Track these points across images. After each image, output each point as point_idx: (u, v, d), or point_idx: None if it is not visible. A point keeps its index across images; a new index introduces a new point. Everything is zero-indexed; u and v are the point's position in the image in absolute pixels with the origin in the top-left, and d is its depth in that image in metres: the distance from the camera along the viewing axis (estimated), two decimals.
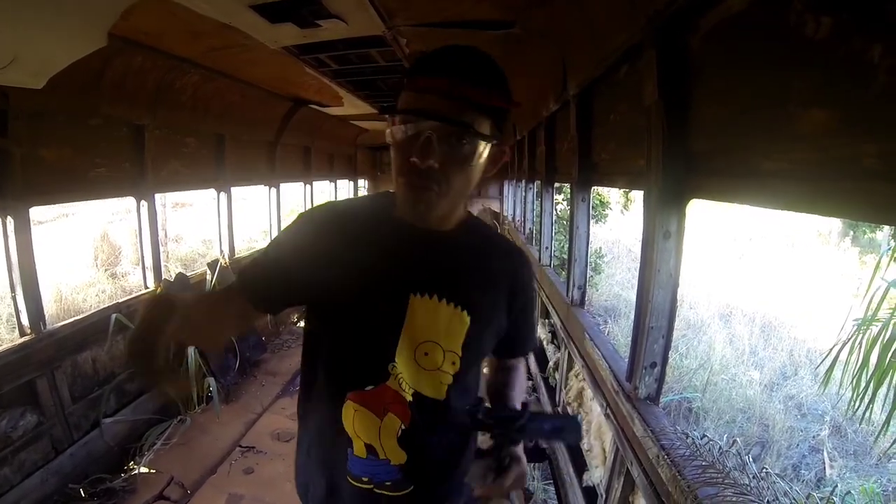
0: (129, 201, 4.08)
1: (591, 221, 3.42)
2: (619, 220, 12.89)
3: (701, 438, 1.65)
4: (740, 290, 9.96)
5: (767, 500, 1.32)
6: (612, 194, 10.58)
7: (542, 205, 5.00)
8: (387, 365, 1.05)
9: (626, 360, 2.22)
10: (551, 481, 3.37)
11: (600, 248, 9.60)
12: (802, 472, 5.01)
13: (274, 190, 6.55)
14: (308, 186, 7.87)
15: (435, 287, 1.05)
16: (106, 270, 8.87)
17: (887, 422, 1.87)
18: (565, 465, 3.10)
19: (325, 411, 1.13)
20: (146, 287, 4.17)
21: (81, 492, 3.12)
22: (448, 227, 1.08)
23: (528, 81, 4.05)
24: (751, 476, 1.45)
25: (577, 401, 3.01)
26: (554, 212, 5.19)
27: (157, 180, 4.07)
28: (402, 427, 1.07)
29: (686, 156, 1.74)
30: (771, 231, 14.92)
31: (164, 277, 4.26)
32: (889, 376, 2.12)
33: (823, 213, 1.27)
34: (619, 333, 7.36)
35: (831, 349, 2.61)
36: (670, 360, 6.45)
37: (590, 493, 2.65)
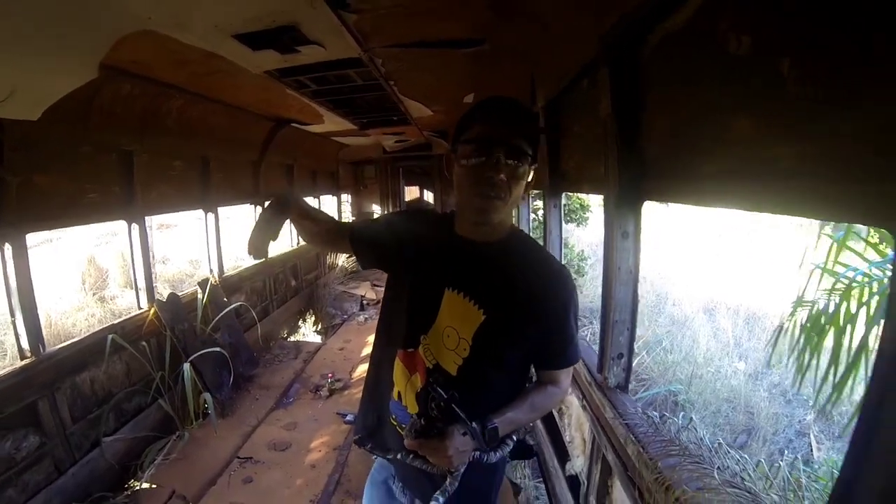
0: (113, 224, 4.17)
1: (573, 225, 3.61)
2: (600, 222, 12.97)
3: (660, 418, 1.81)
4: (722, 284, 10.11)
5: (717, 467, 1.48)
6: (592, 197, 10.69)
7: (518, 210, 5.17)
8: (420, 336, 1.39)
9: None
10: (541, 478, 3.52)
11: (583, 251, 9.69)
12: (788, 455, 5.14)
13: (259, 208, 6.63)
14: None
15: (462, 286, 1.35)
16: (94, 294, 8.87)
17: (835, 391, 2.04)
18: (551, 459, 3.25)
19: (383, 361, 1.51)
20: (139, 308, 4.26)
21: None
22: (494, 238, 1.38)
23: (500, 94, 4.20)
24: (706, 448, 1.61)
25: None
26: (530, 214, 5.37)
27: (146, 203, 4.16)
28: (420, 386, 1.36)
29: (639, 162, 1.92)
30: (737, 223, 15.01)
31: (156, 297, 4.36)
32: (817, 352, 2.35)
33: (753, 209, 1.42)
34: None
35: (777, 330, 2.79)
36: (656, 354, 6.61)
37: (573, 481, 2.79)
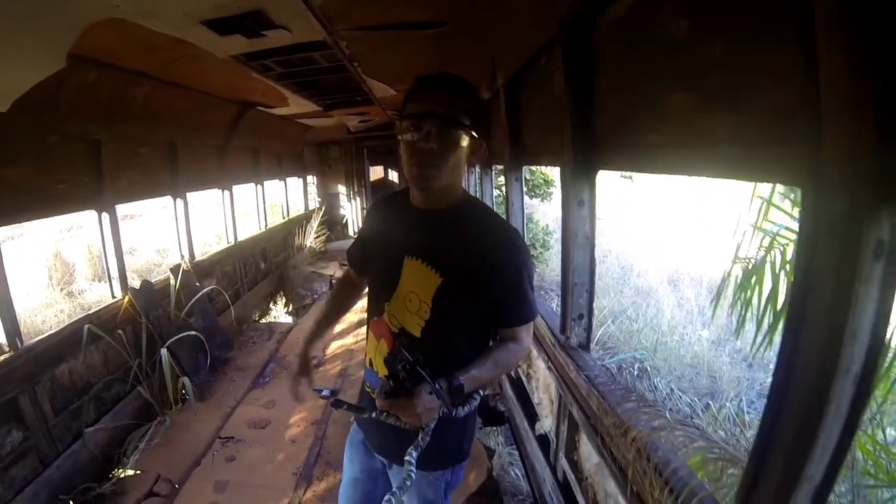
0: (76, 218, 4.12)
1: (538, 200, 3.75)
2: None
3: (617, 369, 1.98)
4: (686, 254, 10.36)
5: (669, 409, 1.65)
6: (556, 172, 10.74)
7: (482, 186, 5.32)
8: (384, 304, 1.54)
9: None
10: (514, 444, 3.69)
11: (547, 225, 9.82)
12: (750, 414, 5.38)
13: (227, 192, 6.67)
14: (259, 186, 8.01)
15: (420, 252, 1.46)
16: (62, 289, 8.73)
17: (767, 337, 2.27)
18: (522, 422, 3.42)
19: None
20: (113, 297, 4.25)
21: (72, 502, 3.21)
22: (444, 206, 1.48)
23: (462, 73, 4.27)
24: (661, 394, 1.78)
25: (526, 361, 3.31)
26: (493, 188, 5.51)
27: (116, 192, 4.15)
28: (388, 351, 1.44)
29: (591, 135, 2.06)
30: (700, 193, 15.28)
31: (129, 286, 4.37)
32: (750, 299, 2.61)
33: (693, 174, 1.58)
34: None
35: (719, 286, 3.04)
36: (620, 322, 6.85)
37: (543, 440, 2.96)
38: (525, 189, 3.73)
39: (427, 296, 1.43)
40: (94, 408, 3.77)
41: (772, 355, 5.97)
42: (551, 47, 2.25)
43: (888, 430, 2.19)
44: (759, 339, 2.34)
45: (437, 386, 1.30)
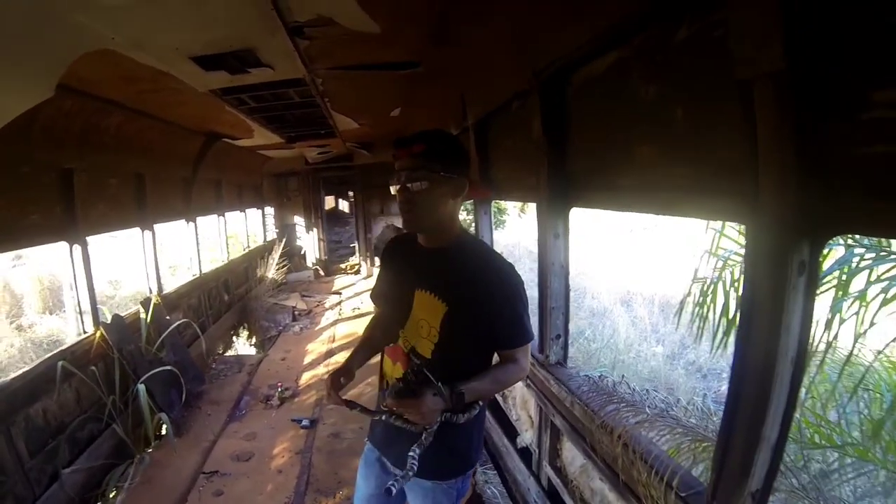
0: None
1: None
2: (517, 224, 13.53)
3: (598, 377, 2.24)
4: (636, 276, 10.81)
5: (647, 406, 1.91)
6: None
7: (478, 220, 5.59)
8: (398, 330, 1.75)
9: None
10: (490, 463, 3.81)
11: (501, 252, 9.92)
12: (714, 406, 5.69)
13: (192, 224, 6.70)
14: (221, 218, 8.06)
15: (428, 285, 1.67)
16: (11, 323, 8.41)
17: (723, 341, 2.68)
18: (500, 439, 3.61)
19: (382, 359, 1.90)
20: (84, 332, 4.13)
21: None
22: (443, 244, 1.69)
23: (433, 111, 4.57)
24: (638, 394, 2.05)
25: None
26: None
27: (87, 223, 4.08)
28: (402, 371, 1.69)
29: (566, 176, 2.35)
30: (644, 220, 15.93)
31: (101, 320, 4.32)
32: (707, 317, 3.07)
33: (658, 213, 1.88)
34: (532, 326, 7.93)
35: (681, 302, 3.44)
36: (580, 344, 7.13)
37: (525, 453, 3.16)
38: None
39: (436, 321, 1.62)
40: (69, 448, 3.61)
41: (724, 363, 6.41)
42: (526, 94, 2.52)
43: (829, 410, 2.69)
44: (716, 343, 2.69)
45: (440, 386, 1.50)
